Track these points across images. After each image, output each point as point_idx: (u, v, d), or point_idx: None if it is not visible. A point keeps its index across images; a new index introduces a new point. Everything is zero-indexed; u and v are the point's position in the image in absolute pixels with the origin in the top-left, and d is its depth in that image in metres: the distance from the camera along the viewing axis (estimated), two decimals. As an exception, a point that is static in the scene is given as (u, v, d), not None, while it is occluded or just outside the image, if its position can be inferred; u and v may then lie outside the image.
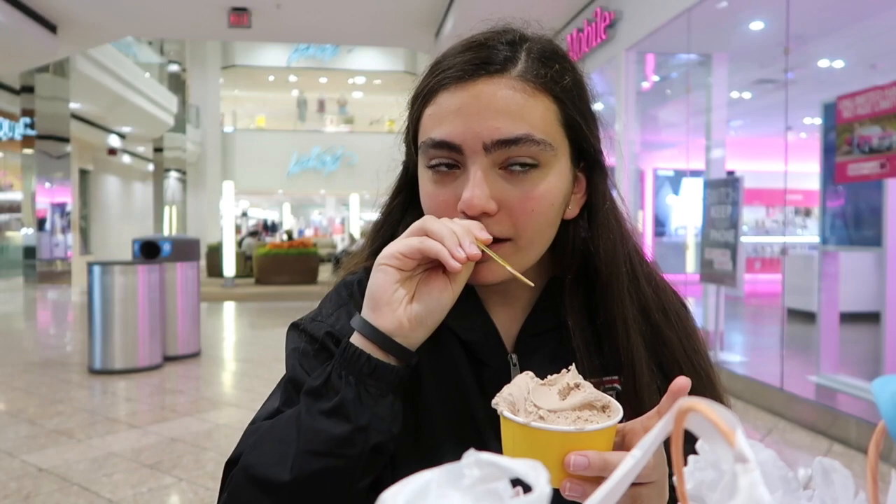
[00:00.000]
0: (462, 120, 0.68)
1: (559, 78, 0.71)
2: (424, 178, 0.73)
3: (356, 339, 0.65)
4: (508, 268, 0.66)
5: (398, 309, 0.64)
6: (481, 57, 0.70)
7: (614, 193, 0.79)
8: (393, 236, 0.79)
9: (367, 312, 0.65)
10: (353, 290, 0.80)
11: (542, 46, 0.73)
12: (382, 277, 0.64)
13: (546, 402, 0.52)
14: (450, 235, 0.63)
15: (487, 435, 0.72)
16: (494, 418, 0.74)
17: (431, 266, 0.67)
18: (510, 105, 0.68)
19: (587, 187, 0.77)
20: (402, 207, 0.82)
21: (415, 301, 0.65)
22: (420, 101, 0.73)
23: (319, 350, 0.73)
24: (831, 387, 4.69)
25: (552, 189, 0.70)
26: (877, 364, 4.75)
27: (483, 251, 0.64)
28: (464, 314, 0.75)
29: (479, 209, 0.67)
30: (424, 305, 0.65)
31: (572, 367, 0.56)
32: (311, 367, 0.71)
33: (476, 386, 0.75)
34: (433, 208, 0.72)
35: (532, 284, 0.67)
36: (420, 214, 0.79)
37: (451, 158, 0.70)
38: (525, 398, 0.53)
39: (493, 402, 0.54)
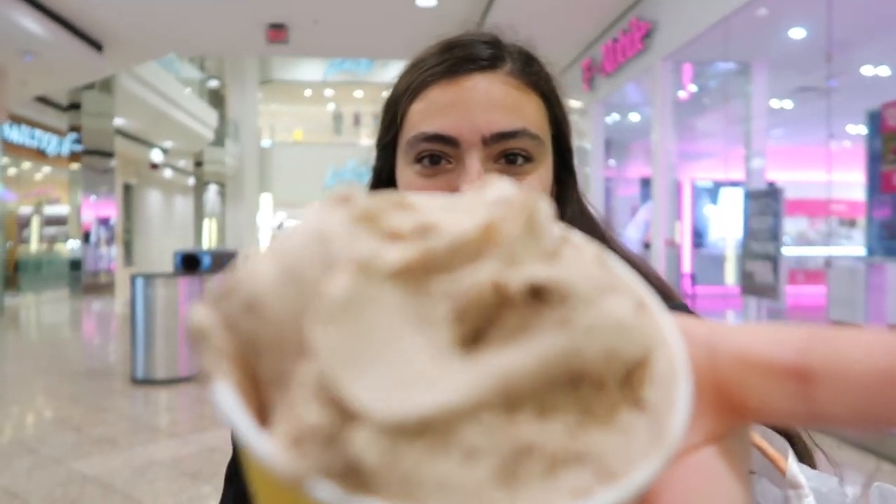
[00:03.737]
0: (458, 113, 0.67)
1: (543, 78, 0.72)
2: (408, 175, 0.70)
3: None
4: None
5: None
6: (468, 54, 0.69)
7: (585, 201, 0.79)
8: None
9: None
10: None
11: (520, 49, 0.73)
12: None
13: (400, 376, 0.14)
14: None
15: None
16: None
17: None
18: (506, 99, 0.68)
19: (557, 189, 0.76)
20: None
21: None
22: (406, 99, 0.71)
23: None
24: (880, 403, 4.54)
25: (544, 182, 0.70)
26: (928, 379, 4.58)
27: None
28: None
29: None
30: None
31: (525, 202, 0.20)
32: None
33: None
34: None
35: None
36: None
37: (443, 152, 0.68)
38: (305, 338, 0.15)
39: (194, 323, 0.19)
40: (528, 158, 0.68)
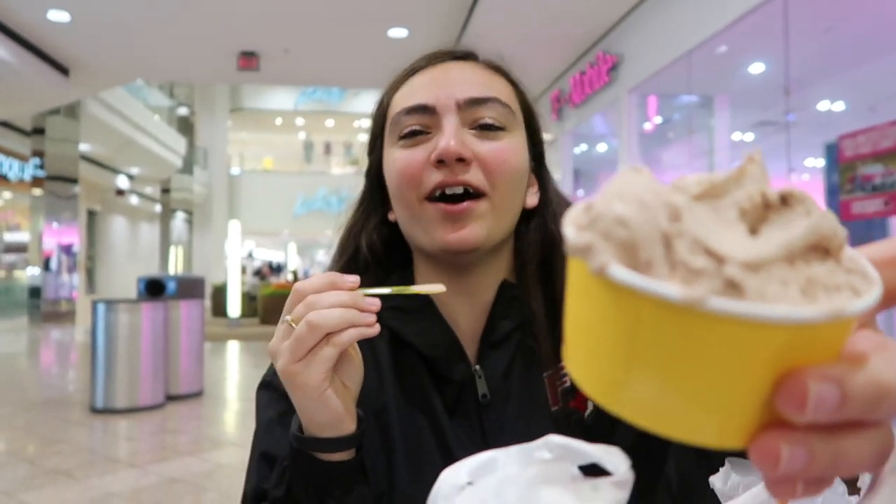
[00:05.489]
0: (435, 86, 0.72)
1: (511, 72, 0.79)
2: (394, 152, 0.73)
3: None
4: (406, 291, 0.64)
5: (351, 406, 0.63)
6: (444, 52, 0.77)
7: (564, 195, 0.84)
8: (358, 247, 0.80)
9: (324, 431, 0.61)
10: None
11: (491, 57, 0.80)
12: (327, 406, 0.60)
13: (730, 244, 0.23)
14: (346, 312, 0.58)
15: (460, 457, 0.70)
16: (464, 440, 0.71)
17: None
18: (478, 76, 0.74)
19: (538, 185, 0.80)
20: (366, 214, 0.82)
21: (348, 384, 0.63)
22: (390, 91, 0.77)
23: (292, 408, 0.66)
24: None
25: (519, 149, 0.74)
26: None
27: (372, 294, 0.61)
28: (425, 328, 0.74)
29: (456, 154, 0.68)
30: (355, 377, 0.64)
31: (756, 156, 0.28)
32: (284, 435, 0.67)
33: (442, 406, 0.73)
34: (404, 171, 0.71)
35: (443, 288, 0.63)
36: (381, 219, 0.81)
37: (423, 124, 0.71)
38: (665, 233, 0.23)
39: (579, 241, 0.24)
40: (500, 127, 0.72)
